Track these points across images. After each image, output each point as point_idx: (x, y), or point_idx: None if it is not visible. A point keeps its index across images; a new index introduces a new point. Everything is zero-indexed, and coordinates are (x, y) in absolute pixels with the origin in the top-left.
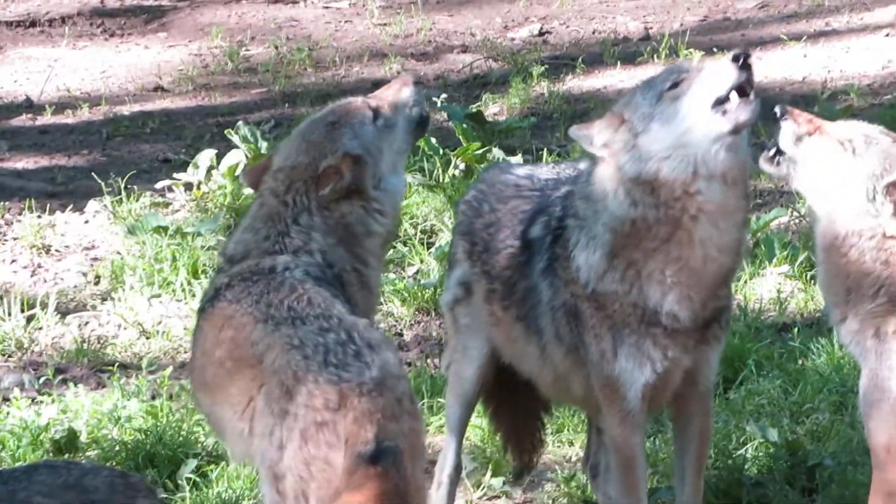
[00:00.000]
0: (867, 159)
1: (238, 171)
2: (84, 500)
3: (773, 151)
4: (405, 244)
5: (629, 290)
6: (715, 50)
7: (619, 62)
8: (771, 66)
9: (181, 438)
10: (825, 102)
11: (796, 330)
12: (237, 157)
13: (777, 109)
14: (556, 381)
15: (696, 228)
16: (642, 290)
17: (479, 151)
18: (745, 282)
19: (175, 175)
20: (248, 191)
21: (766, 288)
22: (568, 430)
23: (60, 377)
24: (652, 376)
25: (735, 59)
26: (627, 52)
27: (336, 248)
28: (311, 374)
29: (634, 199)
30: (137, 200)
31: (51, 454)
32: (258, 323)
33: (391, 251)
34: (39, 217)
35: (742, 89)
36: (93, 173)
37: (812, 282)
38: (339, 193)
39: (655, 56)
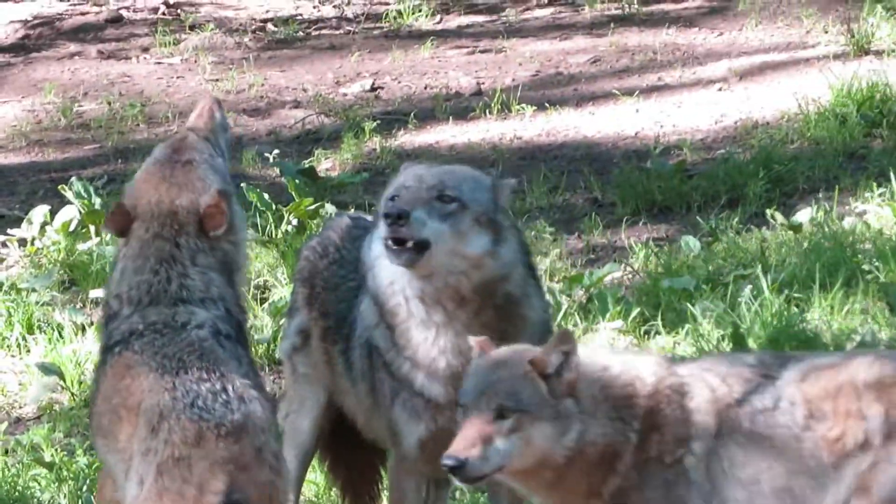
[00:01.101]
0: None
1: (72, 227)
2: None
3: None
4: None
5: (390, 350)
6: (547, 105)
7: (451, 117)
8: (603, 122)
9: (17, 494)
10: (657, 158)
11: None
12: (71, 212)
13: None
14: (366, 419)
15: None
16: (396, 358)
17: (312, 207)
18: (580, 337)
19: (9, 231)
20: (82, 245)
21: (600, 342)
22: None
23: None
24: (426, 433)
25: (384, 216)
26: (460, 107)
27: (227, 289)
28: (175, 412)
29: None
30: None
31: None
32: (150, 372)
33: None
34: None
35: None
36: None
37: (646, 336)
38: (225, 230)
39: (487, 111)
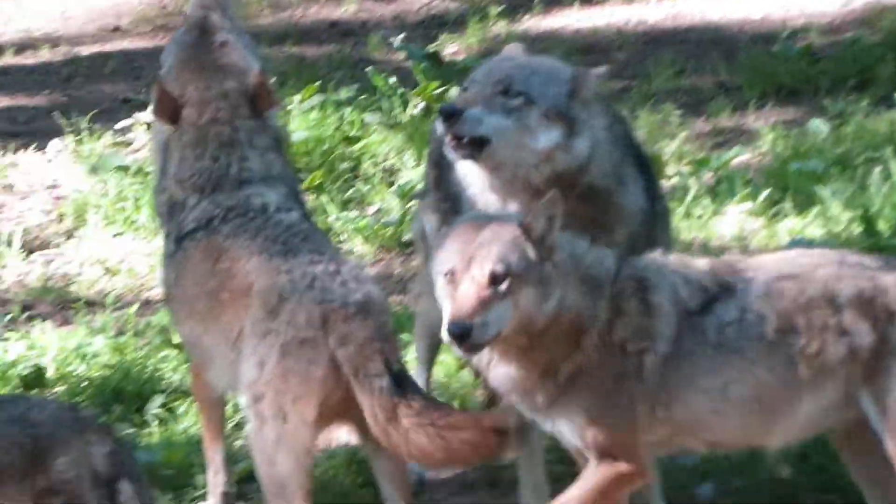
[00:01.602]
0: None
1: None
2: (28, 433)
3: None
4: (366, 183)
5: None
6: None
7: (576, 2)
8: (729, 6)
9: (147, 375)
10: (784, 42)
11: None
12: None
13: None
14: None
15: None
16: None
17: (438, 91)
18: (707, 220)
19: (135, 115)
20: None
21: (727, 225)
22: None
23: (27, 314)
24: None
25: (438, 113)
26: None
27: (286, 168)
28: (296, 294)
29: None
30: (99, 140)
31: (19, 390)
32: (253, 256)
33: (352, 189)
34: (2, 156)
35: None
36: (54, 113)
37: (774, 219)
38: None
39: None
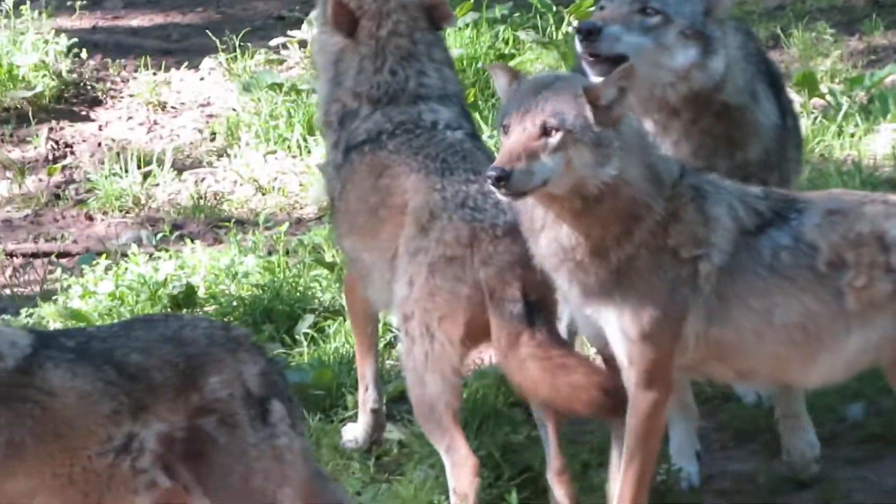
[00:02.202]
0: None
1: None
2: (181, 352)
3: None
4: None
5: None
6: None
7: None
8: None
9: (298, 294)
10: None
11: None
12: None
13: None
14: None
15: None
16: None
17: (592, 8)
18: (860, 138)
19: (289, 32)
20: None
21: (880, 144)
22: None
23: (177, 233)
24: None
25: (577, 30)
26: None
27: (458, 86)
28: (447, 212)
29: None
30: (252, 58)
31: (169, 310)
32: (412, 172)
33: None
34: (155, 74)
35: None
36: (207, 31)
37: None
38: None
39: None
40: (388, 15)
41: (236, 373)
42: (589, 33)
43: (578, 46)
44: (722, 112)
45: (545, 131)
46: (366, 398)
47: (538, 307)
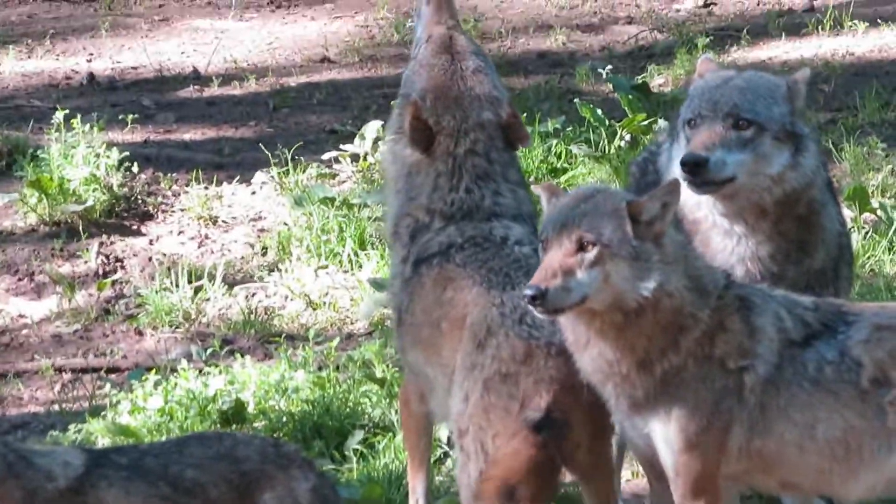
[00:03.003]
0: None
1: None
2: (235, 469)
3: None
4: None
5: None
6: (879, 21)
7: (784, 33)
8: None
9: (348, 409)
10: None
11: None
12: None
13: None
14: None
15: None
16: None
17: (645, 122)
18: None
19: (341, 146)
20: None
21: None
22: None
23: (227, 348)
24: None
25: (682, 164)
26: (792, 23)
27: (531, 205)
28: (504, 329)
29: None
30: (304, 171)
31: (218, 425)
32: (475, 286)
33: None
34: (206, 188)
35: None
36: (259, 144)
37: None
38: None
39: (820, 27)
40: (466, 133)
41: (288, 489)
42: (696, 165)
43: (681, 176)
44: (805, 213)
45: (581, 246)
46: None
47: (559, 426)
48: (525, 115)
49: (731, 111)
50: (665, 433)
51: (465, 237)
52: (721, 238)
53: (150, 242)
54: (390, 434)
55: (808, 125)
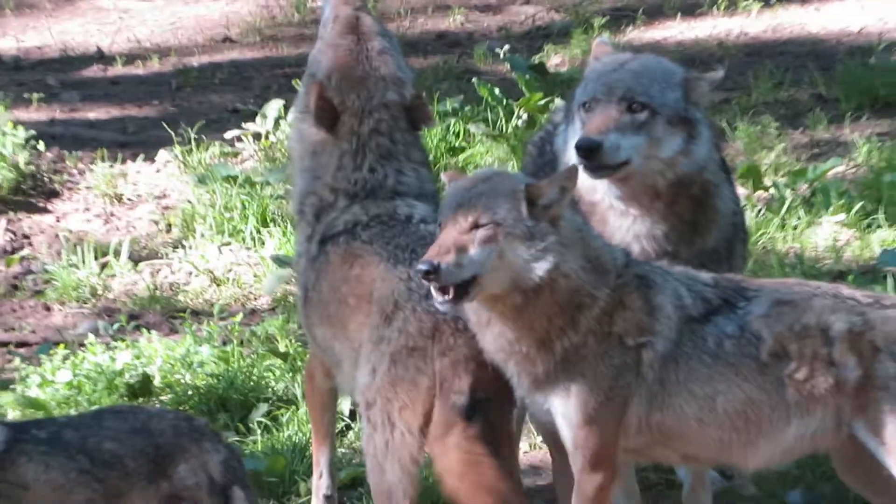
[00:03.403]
0: None
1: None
2: (150, 443)
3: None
4: None
5: None
6: (773, 2)
7: (679, 13)
8: (828, 18)
9: (252, 383)
10: (881, 54)
11: (851, 277)
12: None
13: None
14: None
15: None
16: None
17: (542, 102)
18: (802, 231)
19: (243, 125)
20: None
21: (822, 236)
22: None
23: (134, 323)
24: None
25: (576, 148)
26: (687, 3)
27: (434, 184)
28: (411, 303)
29: None
30: (207, 150)
31: (126, 399)
32: (381, 262)
33: None
34: (111, 166)
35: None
36: (163, 123)
37: (867, 230)
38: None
39: (715, 8)
40: (370, 113)
41: (201, 462)
42: (590, 150)
43: (577, 160)
44: (699, 194)
45: (476, 225)
46: (320, 484)
47: (483, 405)
48: (424, 94)
49: (626, 95)
50: (565, 409)
51: (370, 215)
52: (617, 218)
53: (57, 220)
54: (293, 407)
55: (704, 113)
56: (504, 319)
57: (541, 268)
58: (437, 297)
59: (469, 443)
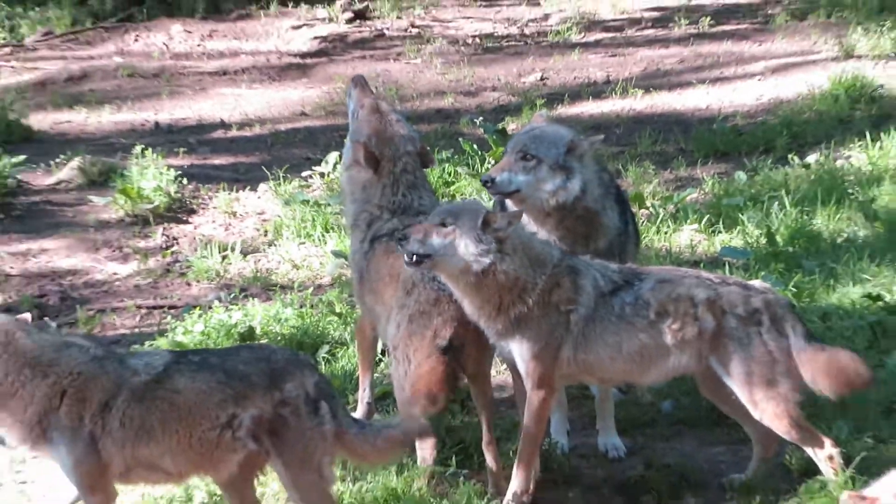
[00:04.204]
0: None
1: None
2: (269, 367)
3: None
4: None
5: None
6: (651, 89)
7: (591, 97)
8: (687, 100)
9: (318, 332)
10: (720, 122)
11: (703, 265)
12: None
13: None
14: None
15: None
16: None
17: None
18: (670, 235)
19: (313, 168)
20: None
21: (683, 239)
22: None
23: (243, 294)
24: None
25: (482, 181)
26: (596, 90)
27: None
28: (423, 283)
29: None
30: (290, 184)
31: (237, 341)
32: None
33: None
34: (229, 194)
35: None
36: (262, 167)
37: (712, 234)
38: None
39: (614, 93)
40: (399, 159)
41: (302, 382)
42: (485, 183)
43: (486, 184)
44: (583, 215)
45: (443, 224)
46: (363, 396)
47: (457, 349)
48: (428, 147)
49: (521, 149)
50: (519, 351)
51: (404, 224)
52: (531, 226)
53: (194, 228)
54: (345, 347)
55: (588, 164)
56: (470, 294)
57: (480, 264)
58: (406, 260)
59: (438, 362)
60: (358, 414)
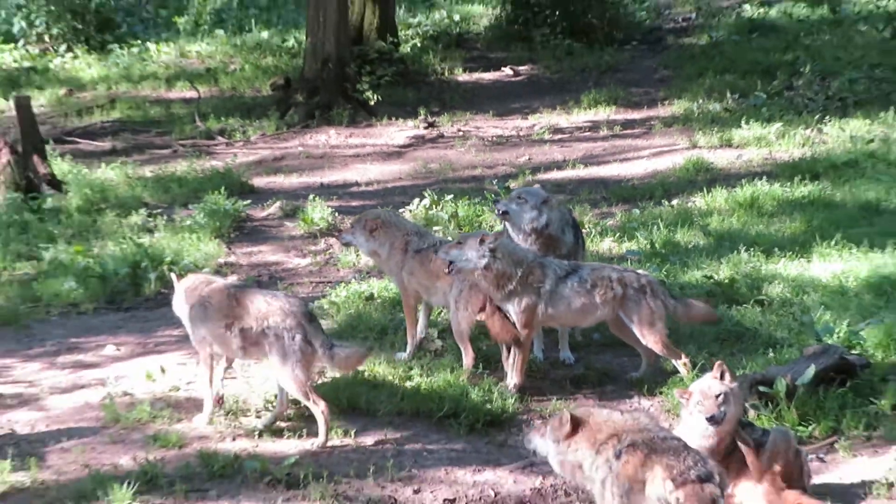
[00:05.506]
0: None
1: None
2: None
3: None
4: None
5: None
6: (588, 164)
7: (555, 169)
8: (609, 171)
9: (359, 316)
10: (626, 182)
11: (615, 261)
12: (424, 204)
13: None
14: None
15: None
16: None
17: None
18: (598, 244)
19: (405, 206)
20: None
21: (605, 246)
22: None
23: (368, 275)
24: None
25: (498, 213)
26: (558, 166)
27: None
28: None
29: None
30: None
31: (366, 302)
32: (437, 259)
33: None
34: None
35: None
36: (378, 206)
37: (621, 240)
38: None
39: (568, 167)
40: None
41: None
42: (498, 210)
43: (497, 213)
44: (549, 235)
45: (458, 243)
46: (412, 340)
47: (499, 311)
48: (467, 198)
49: (518, 195)
50: (514, 310)
51: (431, 244)
52: (515, 237)
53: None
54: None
55: (554, 209)
56: (480, 280)
57: (479, 264)
58: (447, 268)
59: (494, 312)
60: (408, 350)
